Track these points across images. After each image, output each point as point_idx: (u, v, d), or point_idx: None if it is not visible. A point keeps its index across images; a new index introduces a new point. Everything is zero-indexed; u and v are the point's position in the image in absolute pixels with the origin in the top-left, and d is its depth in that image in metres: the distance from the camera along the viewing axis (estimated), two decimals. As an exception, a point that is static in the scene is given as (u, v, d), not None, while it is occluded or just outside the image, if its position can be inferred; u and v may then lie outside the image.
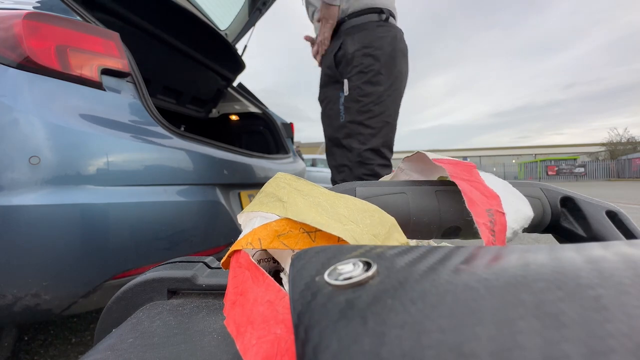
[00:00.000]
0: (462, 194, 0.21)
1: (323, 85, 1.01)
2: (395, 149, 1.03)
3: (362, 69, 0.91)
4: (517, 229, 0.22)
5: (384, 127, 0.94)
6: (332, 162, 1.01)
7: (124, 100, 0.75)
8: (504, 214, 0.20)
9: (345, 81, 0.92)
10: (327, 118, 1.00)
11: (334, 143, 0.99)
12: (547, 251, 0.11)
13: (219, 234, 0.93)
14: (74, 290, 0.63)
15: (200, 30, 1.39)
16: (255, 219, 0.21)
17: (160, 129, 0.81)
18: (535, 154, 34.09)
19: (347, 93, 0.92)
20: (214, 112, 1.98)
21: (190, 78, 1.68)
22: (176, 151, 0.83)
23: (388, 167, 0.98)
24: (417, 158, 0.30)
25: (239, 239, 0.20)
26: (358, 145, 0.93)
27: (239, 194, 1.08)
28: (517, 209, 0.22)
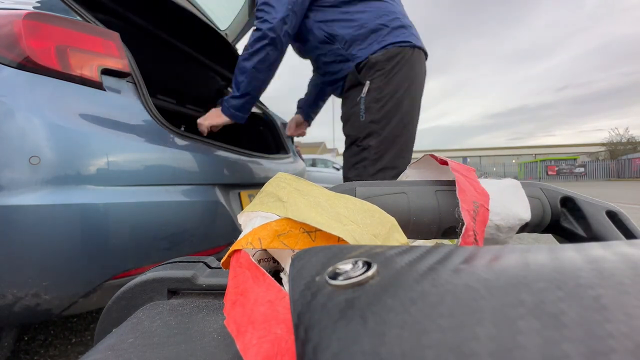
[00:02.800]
0: (456, 183, 0.23)
1: (347, 90, 1.05)
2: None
3: (385, 72, 0.94)
4: (502, 225, 0.24)
5: (405, 127, 0.98)
6: (348, 162, 1.05)
7: (124, 100, 0.75)
8: (488, 210, 0.23)
9: (367, 82, 0.96)
10: (349, 117, 1.04)
11: (352, 141, 1.02)
12: (547, 251, 0.11)
13: (219, 234, 0.93)
14: (74, 290, 0.63)
15: (200, 30, 1.39)
16: (255, 218, 0.21)
17: (160, 129, 0.81)
18: (535, 154, 34.09)
19: (365, 94, 0.95)
20: (214, 112, 1.98)
21: (190, 78, 1.68)
22: (176, 151, 0.83)
23: (406, 161, 1.00)
24: (424, 161, 0.31)
25: (239, 238, 0.20)
26: (377, 144, 0.95)
27: (239, 194, 1.08)
28: (509, 210, 0.24)
